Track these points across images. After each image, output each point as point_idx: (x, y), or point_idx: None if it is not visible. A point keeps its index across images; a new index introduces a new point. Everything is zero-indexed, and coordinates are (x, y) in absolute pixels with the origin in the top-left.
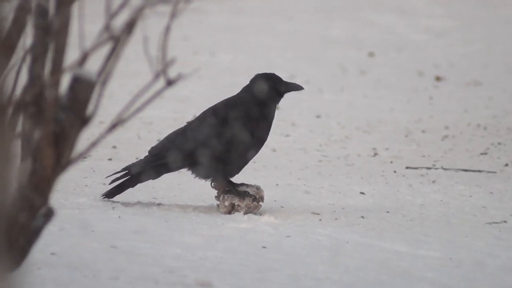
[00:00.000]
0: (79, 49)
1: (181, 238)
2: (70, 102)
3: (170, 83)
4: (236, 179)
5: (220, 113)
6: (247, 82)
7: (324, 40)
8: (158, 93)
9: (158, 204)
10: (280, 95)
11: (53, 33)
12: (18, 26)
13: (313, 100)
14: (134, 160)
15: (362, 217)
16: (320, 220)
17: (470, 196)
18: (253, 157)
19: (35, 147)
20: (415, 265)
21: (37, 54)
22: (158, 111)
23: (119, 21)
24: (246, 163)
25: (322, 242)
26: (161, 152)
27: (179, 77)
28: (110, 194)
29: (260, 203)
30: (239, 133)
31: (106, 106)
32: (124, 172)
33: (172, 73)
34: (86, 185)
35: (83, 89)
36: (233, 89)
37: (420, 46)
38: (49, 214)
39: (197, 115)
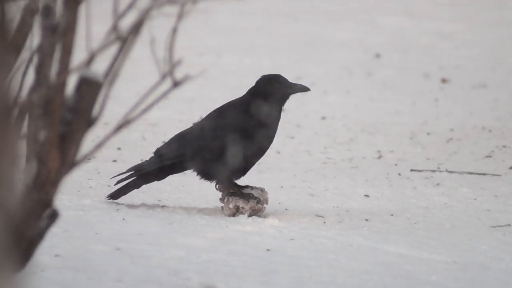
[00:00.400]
0: (86, 50)
1: (185, 240)
2: (77, 103)
3: (176, 84)
4: (241, 181)
5: (226, 115)
6: (253, 83)
7: (330, 42)
8: (165, 94)
9: (162, 206)
10: (286, 97)
11: (60, 34)
12: (25, 27)
13: (318, 102)
14: (139, 162)
15: (366, 219)
16: (324, 222)
17: (475, 199)
18: (258, 159)
19: (41, 148)
20: (419, 268)
21: (44, 55)
22: (164, 113)
23: (126, 22)
24: (252, 165)
25: (326, 244)
26: (166, 153)
27: (186, 78)
28: (115, 196)
29: (265, 205)
30: (244, 136)
31: (111, 107)
32: (129, 173)
33: (179, 74)
34: (91, 187)
35: (89, 90)
36: (239, 91)
37: (426, 48)
38: (54, 215)
39: (203, 116)
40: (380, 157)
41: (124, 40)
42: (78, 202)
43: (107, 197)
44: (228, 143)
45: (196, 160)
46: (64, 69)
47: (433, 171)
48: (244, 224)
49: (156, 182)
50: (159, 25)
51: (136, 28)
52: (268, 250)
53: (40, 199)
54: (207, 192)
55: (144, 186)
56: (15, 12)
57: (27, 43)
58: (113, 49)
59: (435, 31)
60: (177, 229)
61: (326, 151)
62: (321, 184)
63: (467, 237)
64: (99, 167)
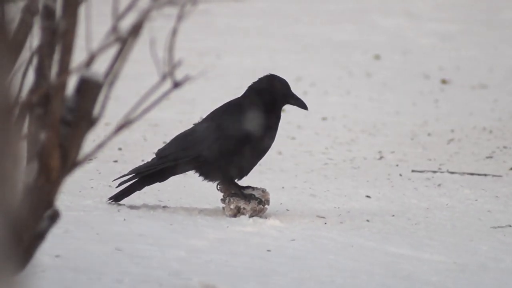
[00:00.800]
0: (86, 50)
1: (186, 241)
2: (77, 104)
3: (176, 85)
4: (242, 182)
5: (227, 116)
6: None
7: (330, 43)
8: (165, 95)
9: (164, 207)
10: (285, 101)
11: (60, 35)
12: (25, 27)
13: (319, 102)
14: (140, 162)
15: (368, 220)
16: (325, 223)
17: (476, 200)
18: (259, 160)
19: (41, 148)
20: (420, 269)
21: (44, 55)
22: (164, 113)
23: (126, 23)
24: (253, 165)
25: (327, 245)
26: (168, 154)
27: (186, 79)
28: (117, 198)
29: (266, 206)
30: (245, 136)
31: (112, 107)
32: (131, 175)
33: (179, 75)
34: (92, 187)
35: (90, 90)
36: (239, 91)
37: (426, 49)
38: (55, 216)
39: (204, 116)
40: (381, 157)
41: (124, 40)
42: (79, 203)
43: (110, 200)
44: (229, 144)
45: (197, 161)
46: (64, 69)
47: (434, 172)
48: (245, 224)
49: (158, 183)
50: (159, 26)
51: (136, 29)
52: (269, 250)
53: (41, 199)
54: (208, 193)
55: (145, 187)
56: (15, 13)
57: (27, 43)
58: (113, 50)
59: (435, 32)
60: (178, 229)
61: (327, 151)
62: (322, 184)
63: (468, 238)
64: (100, 168)
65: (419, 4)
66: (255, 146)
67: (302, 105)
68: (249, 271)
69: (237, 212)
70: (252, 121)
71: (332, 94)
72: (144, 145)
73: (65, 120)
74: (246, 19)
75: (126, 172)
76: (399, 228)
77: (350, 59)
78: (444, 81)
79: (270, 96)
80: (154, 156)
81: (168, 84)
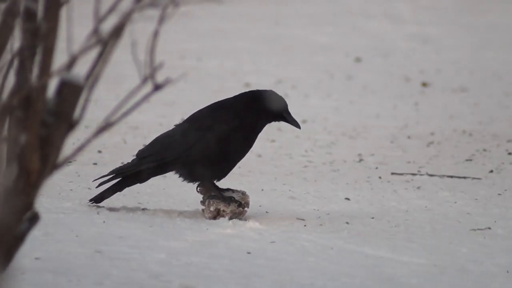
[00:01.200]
0: (67, 53)
1: (166, 243)
2: (57, 106)
3: (157, 87)
4: (222, 184)
5: (209, 116)
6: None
7: (311, 46)
8: (146, 97)
9: (143, 209)
10: (276, 118)
11: (41, 37)
12: (6, 29)
13: (300, 105)
14: (120, 165)
15: (347, 222)
16: (305, 225)
17: (455, 203)
18: (239, 161)
19: (21, 151)
20: (400, 271)
21: (25, 57)
22: (145, 116)
23: (108, 25)
24: (232, 167)
25: (307, 247)
26: (149, 155)
27: (167, 82)
28: (98, 199)
29: (246, 208)
30: (226, 138)
31: (92, 110)
32: (111, 176)
33: (160, 77)
34: (71, 190)
35: (70, 93)
36: (220, 94)
37: (406, 52)
38: (34, 218)
39: (185, 118)
40: (360, 160)
41: (105, 43)
42: (58, 205)
43: (90, 201)
44: (209, 146)
45: (178, 162)
46: (45, 72)
47: (414, 174)
48: (225, 227)
49: (137, 185)
50: (140, 29)
51: (117, 31)
52: (248, 253)
53: (20, 202)
54: (187, 195)
55: (125, 189)
56: None
57: (8, 46)
58: (94, 52)
59: (416, 35)
60: (157, 232)
61: (307, 154)
62: (301, 187)
63: (447, 240)
64: (79, 170)
65: (400, 7)
66: (235, 148)
67: (295, 125)
68: (229, 273)
69: (217, 215)
70: (235, 124)
71: (312, 96)
72: (124, 147)
73: (45, 122)
74: (227, 21)
75: (106, 173)
76: (379, 231)
77: (331, 62)
78: (424, 84)
79: (262, 108)
80: (134, 157)
81: (148, 86)
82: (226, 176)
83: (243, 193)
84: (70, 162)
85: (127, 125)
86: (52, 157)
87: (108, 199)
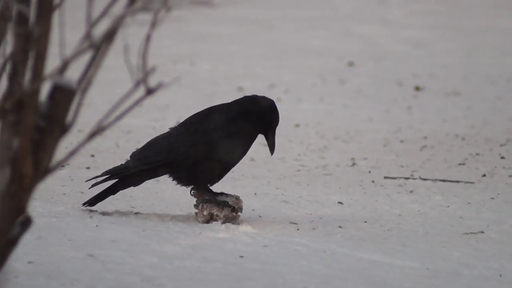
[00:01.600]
0: (60, 57)
1: (158, 247)
2: (50, 110)
3: (150, 91)
4: (215, 187)
5: (205, 121)
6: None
7: (304, 50)
8: (138, 101)
9: (136, 213)
10: (264, 131)
11: (33, 41)
12: None
13: (292, 109)
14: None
15: (340, 226)
16: (297, 229)
17: (448, 206)
18: (233, 166)
19: (14, 155)
20: (392, 275)
21: (17, 61)
22: (138, 120)
23: (100, 30)
24: (226, 172)
25: (300, 251)
26: (143, 157)
27: (159, 86)
28: (91, 202)
29: (239, 213)
30: (221, 143)
31: (85, 114)
32: (105, 177)
33: (152, 81)
34: (64, 194)
35: (63, 97)
36: (213, 98)
37: (399, 56)
38: (27, 222)
39: (180, 121)
40: (353, 164)
41: (98, 47)
42: (51, 209)
43: (84, 205)
44: (204, 150)
45: (173, 166)
46: (38, 76)
47: (407, 178)
48: (218, 231)
49: (129, 189)
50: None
51: (110, 35)
52: (241, 257)
53: (13, 206)
54: (180, 199)
55: (118, 193)
56: None
57: (0, 50)
58: (86, 57)
59: (409, 39)
60: (150, 236)
61: (299, 158)
62: (294, 191)
63: (440, 244)
64: (72, 174)
65: (393, 11)
66: (229, 154)
67: (271, 148)
68: (222, 277)
69: (210, 219)
70: (231, 130)
71: (305, 101)
72: (116, 151)
73: (38, 126)
74: (220, 26)
75: (99, 175)
76: (372, 235)
77: (324, 66)
78: (417, 88)
79: (258, 116)
80: (128, 159)
81: (141, 90)
82: (220, 181)
83: (237, 198)
84: (63, 166)
85: (120, 129)
86: (45, 161)
87: (101, 203)
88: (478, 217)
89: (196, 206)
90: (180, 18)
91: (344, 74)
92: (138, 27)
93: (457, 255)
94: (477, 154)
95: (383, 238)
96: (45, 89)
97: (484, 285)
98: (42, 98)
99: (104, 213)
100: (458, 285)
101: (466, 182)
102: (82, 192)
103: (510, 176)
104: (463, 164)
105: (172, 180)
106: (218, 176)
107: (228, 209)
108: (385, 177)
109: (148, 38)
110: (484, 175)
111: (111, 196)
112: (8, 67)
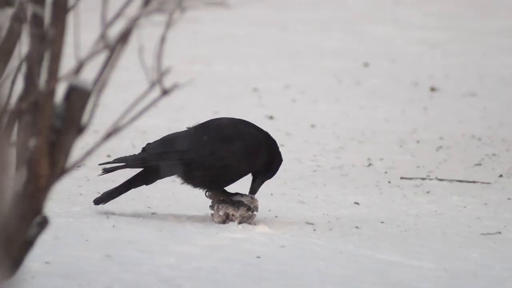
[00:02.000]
0: (75, 58)
1: (175, 247)
2: (66, 111)
3: (165, 92)
4: (231, 188)
5: (224, 129)
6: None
7: (319, 51)
8: (153, 102)
9: (153, 214)
10: (257, 170)
11: (48, 42)
12: (13, 35)
13: (308, 110)
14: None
15: (357, 227)
16: (314, 230)
17: (465, 207)
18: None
19: (30, 156)
20: (410, 276)
21: (32, 63)
22: (153, 120)
23: (115, 31)
24: (239, 177)
25: (317, 252)
26: (160, 152)
27: (174, 87)
28: (103, 199)
29: (255, 212)
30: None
31: (101, 115)
32: (117, 164)
33: (167, 82)
34: (81, 194)
35: (78, 98)
36: (228, 99)
37: (415, 57)
38: (44, 223)
39: (200, 122)
40: (370, 165)
41: (113, 48)
42: (68, 209)
43: (95, 202)
44: (220, 156)
45: (187, 166)
46: (53, 77)
47: (423, 179)
48: (234, 231)
49: (146, 190)
50: (147, 34)
51: (125, 36)
52: (258, 257)
53: (30, 206)
54: (197, 199)
55: (134, 194)
56: (3, 21)
57: (16, 51)
58: (101, 58)
59: (424, 40)
60: (167, 236)
61: (316, 159)
62: (311, 191)
63: (457, 245)
64: (88, 175)
65: (408, 12)
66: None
67: (252, 193)
68: (239, 278)
69: (226, 219)
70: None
71: (321, 101)
72: (132, 152)
73: (54, 127)
74: (235, 26)
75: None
76: (389, 235)
77: (339, 67)
78: (433, 89)
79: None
80: (142, 151)
81: (156, 91)
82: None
83: (252, 197)
84: (79, 166)
85: (136, 130)
86: (61, 161)
87: (117, 203)
88: (495, 218)
89: (211, 207)
90: (195, 19)
91: (360, 75)
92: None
93: (475, 256)
94: (494, 154)
95: (400, 238)
96: (60, 90)
97: (502, 286)
98: (58, 99)
99: (121, 214)
100: (476, 286)
101: (482, 183)
102: (98, 192)
103: None
104: (480, 164)
105: (183, 182)
106: (230, 181)
107: (243, 208)
108: (402, 178)
109: (163, 39)
110: (501, 176)
111: (128, 197)
112: (23, 68)
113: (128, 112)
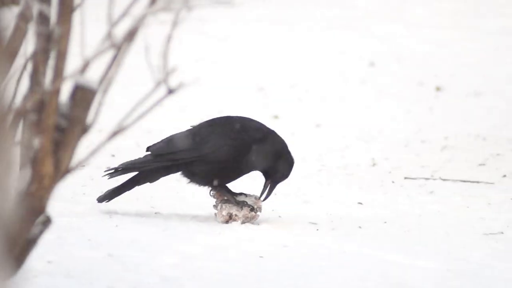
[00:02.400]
0: (81, 56)
1: (178, 247)
2: (71, 110)
3: (171, 91)
4: (235, 188)
5: (229, 127)
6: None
7: (325, 49)
8: (159, 101)
9: (156, 213)
10: (268, 174)
11: (54, 41)
12: (19, 34)
13: (313, 109)
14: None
15: (360, 227)
16: (317, 229)
17: (468, 207)
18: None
19: (35, 155)
20: (413, 276)
21: (38, 61)
22: (158, 119)
23: (121, 29)
24: (242, 174)
25: (320, 252)
26: (166, 153)
27: (180, 86)
28: (106, 197)
29: (258, 213)
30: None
31: (105, 114)
32: (121, 169)
33: (173, 81)
34: (84, 194)
35: (84, 97)
36: (234, 98)
37: (420, 56)
38: (47, 222)
39: (203, 120)
40: (374, 164)
41: (119, 47)
42: (71, 209)
43: (99, 200)
44: (232, 153)
45: (192, 164)
46: (58, 76)
47: (427, 179)
48: (238, 231)
49: (149, 189)
50: (153, 33)
51: (131, 35)
52: (261, 257)
53: (33, 205)
54: (200, 199)
55: (137, 193)
56: (9, 19)
57: (22, 50)
58: (107, 56)
59: (430, 39)
60: (170, 235)
61: (320, 158)
62: (315, 191)
63: (460, 245)
64: (93, 174)
65: (414, 11)
66: (253, 162)
67: (264, 198)
68: (242, 277)
69: (229, 219)
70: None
71: (326, 100)
72: (137, 151)
73: (58, 126)
74: (241, 25)
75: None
76: (392, 235)
77: (345, 66)
78: (438, 88)
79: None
80: (147, 153)
81: (162, 90)
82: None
83: (256, 198)
84: (83, 165)
85: (140, 129)
86: (65, 160)
87: (121, 203)
88: (498, 218)
89: (215, 206)
90: (201, 17)
91: (365, 74)
92: (159, 27)
93: (478, 256)
94: (498, 154)
95: (403, 238)
96: (66, 89)
97: (504, 286)
98: (63, 98)
99: (124, 213)
100: (479, 286)
101: (486, 183)
102: (102, 192)
103: None
104: (484, 164)
105: (187, 180)
106: (233, 178)
107: (247, 209)
108: (406, 178)
109: (169, 38)
110: (505, 176)
111: (131, 197)
112: (29, 67)
113: (133, 111)
